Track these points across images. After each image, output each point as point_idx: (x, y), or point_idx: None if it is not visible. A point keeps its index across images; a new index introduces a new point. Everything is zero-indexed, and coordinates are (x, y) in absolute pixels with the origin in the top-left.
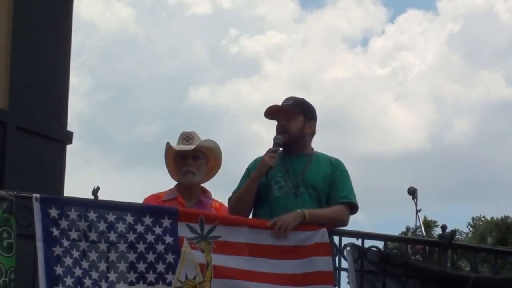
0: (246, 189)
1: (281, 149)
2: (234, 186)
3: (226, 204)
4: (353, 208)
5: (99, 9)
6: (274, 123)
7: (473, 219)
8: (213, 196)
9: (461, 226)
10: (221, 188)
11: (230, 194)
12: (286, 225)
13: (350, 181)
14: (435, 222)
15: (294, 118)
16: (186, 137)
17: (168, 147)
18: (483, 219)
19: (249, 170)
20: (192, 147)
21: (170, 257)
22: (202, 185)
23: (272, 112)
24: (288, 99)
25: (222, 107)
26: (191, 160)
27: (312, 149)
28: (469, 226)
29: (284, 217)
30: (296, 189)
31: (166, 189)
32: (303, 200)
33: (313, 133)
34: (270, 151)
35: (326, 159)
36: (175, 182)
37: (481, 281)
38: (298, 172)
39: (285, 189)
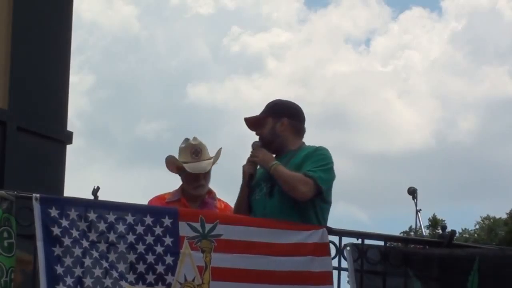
0: (238, 198)
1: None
2: (234, 184)
3: (231, 205)
4: (316, 182)
5: (100, 7)
6: None
7: (482, 218)
8: (217, 196)
9: (467, 225)
10: (221, 187)
11: (231, 193)
12: (256, 156)
13: (323, 160)
14: (442, 220)
15: (264, 124)
16: (195, 151)
17: (178, 165)
18: (492, 219)
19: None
20: (206, 166)
21: (169, 259)
22: None
23: (250, 126)
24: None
25: (224, 105)
26: (202, 174)
27: (300, 145)
28: (476, 226)
29: (264, 153)
30: (271, 189)
31: (169, 187)
32: (276, 199)
33: (290, 129)
34: (249, 160)
35: (307, 151)
36: (178, 182)
37: (487, 258)
38: None
39: (264, 190)
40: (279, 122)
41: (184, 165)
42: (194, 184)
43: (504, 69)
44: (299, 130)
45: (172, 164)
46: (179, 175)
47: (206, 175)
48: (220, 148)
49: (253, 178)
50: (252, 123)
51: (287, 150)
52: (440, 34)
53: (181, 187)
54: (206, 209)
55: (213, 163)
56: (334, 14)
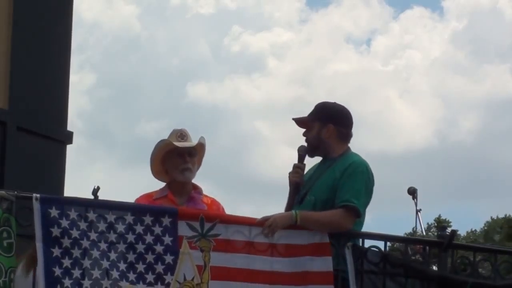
0: (286, 206)
1: (305, 163)
2: (233, 183)
3: (217, 200)
4: (356, 211)
5: (101, 7)
6: (276, 120)
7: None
8: (206, 193)
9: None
10: (222, 185)
11: (231, 192)
12: (275, 225)
13: (360, 183)
14: (448, 222)
15: (311, 127)
16: (181, 135)
17: (167, 143)
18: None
19: None
20: (193, 143)
21: (168, 258)
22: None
23: (299, 125)
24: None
25: (224, 105)
26: (188, 157)
27: (344, 151)
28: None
29: (275, 216)
30: (303, 196)
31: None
32: (304, 208)
33: (336, 135)
34: (294, 167)
35: (345, 163)
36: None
37: (479, 286)
38: (314, 179)
39: (299, 197)
40: (325, 128)
41: (175, 143)
42: (181, 167)
43: (505, 68)
44: (345, 135)
45: (160, 150)
46: (166, 172)
47: (192, 158)
48: (202, 137)
49: (299, 186)
50: (300, 122)
51: (329, 156)
52: (441, 33)
53: (168, 183)
54: (192, 203)
55: (199, 144)
56: (335, 14)
